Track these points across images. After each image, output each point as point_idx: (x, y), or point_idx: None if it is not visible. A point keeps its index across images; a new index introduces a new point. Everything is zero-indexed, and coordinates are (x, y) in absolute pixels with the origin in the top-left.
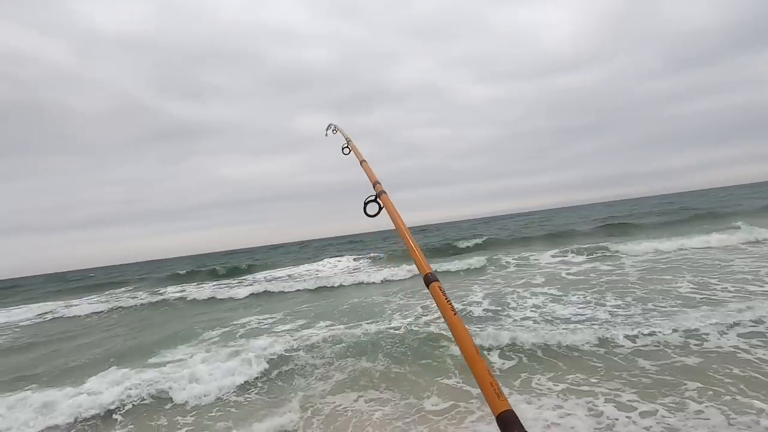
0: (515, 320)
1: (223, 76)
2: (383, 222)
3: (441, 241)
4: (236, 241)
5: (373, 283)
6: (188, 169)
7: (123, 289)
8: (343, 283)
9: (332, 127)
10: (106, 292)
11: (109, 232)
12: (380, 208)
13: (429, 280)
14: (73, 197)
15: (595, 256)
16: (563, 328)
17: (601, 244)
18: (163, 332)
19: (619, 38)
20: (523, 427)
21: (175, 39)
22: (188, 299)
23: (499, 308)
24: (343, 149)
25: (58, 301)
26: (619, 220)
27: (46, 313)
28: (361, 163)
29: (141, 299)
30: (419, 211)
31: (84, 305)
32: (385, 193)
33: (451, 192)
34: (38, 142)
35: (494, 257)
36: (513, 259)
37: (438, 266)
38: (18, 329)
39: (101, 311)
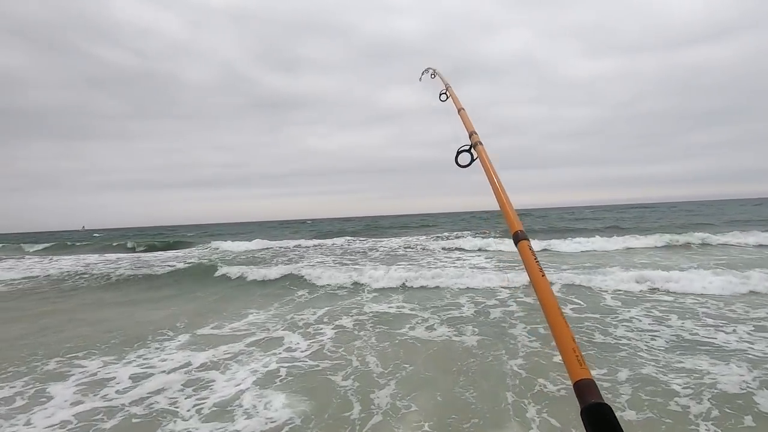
0: None
1: (316, 48)
2: (459, 202)
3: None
4: (325, 210)
5: None
6: (282, 138)
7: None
8: None
9: (430, 71)
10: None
11: (215, 192)
12: (473, 159)
13: (518, 237)
14: (187, 158)
15: None
16: None
17: None
18: None
19: None
20: (601, 396)
21: (274, 10)
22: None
23: None
24: (440, 95)
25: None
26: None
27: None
28: (459, 111)
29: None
30: (510, 193)
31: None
32: (481, 144)
33: (547, 176)
34: (158, 107)
35: None
36: None
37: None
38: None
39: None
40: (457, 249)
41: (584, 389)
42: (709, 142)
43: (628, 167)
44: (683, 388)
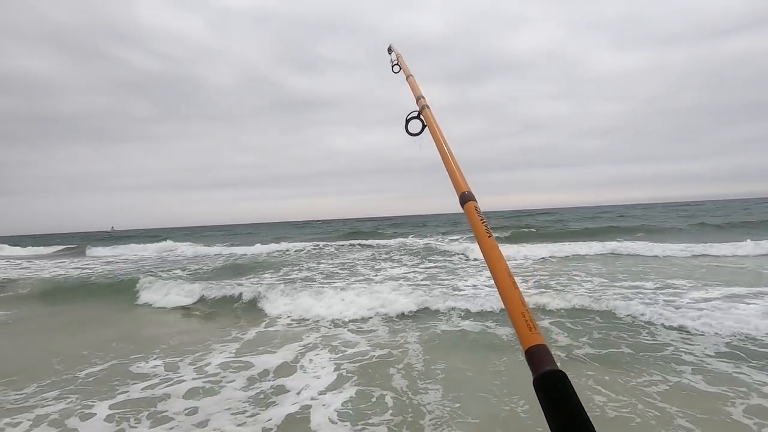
0: None
1: (337, 47)
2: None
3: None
4: (353, 210)
5: None
6: (306, 138)
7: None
8: None
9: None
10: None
11: (242, 193)
12: (423, 126)
13: (465, 198)
14: (214, 159)
15: None
16: None
17: None
18: None
19: None
20: (555, 363)
21: (295, 11)
22: None
23: None
24: (393, 67)
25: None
26: None
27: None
28: (407, 78)
29: None
30: (538, 192)
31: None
32: (428, 107)
33: (576, 174)
34: (184, 110)
35: None
36: None
37: None
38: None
39: None
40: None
41: (536, 356)
42: (749, 136)
43: (663, 164)
44: None
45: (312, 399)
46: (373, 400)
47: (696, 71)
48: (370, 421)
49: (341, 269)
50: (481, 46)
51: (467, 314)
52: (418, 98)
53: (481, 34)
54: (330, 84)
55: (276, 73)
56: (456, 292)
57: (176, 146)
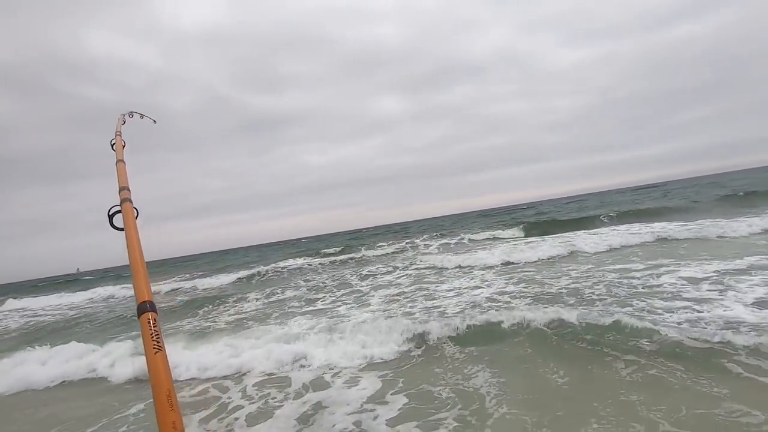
0: None
1: (297, 64)
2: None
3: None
4: (331, 224)
5: None
6: (275, 158)
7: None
8: None
9: (134, 115)
10: None
11: (215, 219)
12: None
13: (143, 309)
14: (184, 187)
15: None
16: None
17: None
18: None
19: None
20: None
21: (248, 30)
22: None
23: None
24: (112, 145)
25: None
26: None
27: None
28: (117, 163)
29: None
30: (508, 191)
31: None
32: (130, 201)
33: (542, 169)
34: (146, 140)
35: None
36: None
37: None
38: None
39: None
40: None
41: None
42: (695, 117)
43: (613, 153)
44: None
45: None
46: None
47: (641, 61)
48: None
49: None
50: (440, 52)
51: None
52: (122, 189)
53: (439, 40)
54: (294, 101)
55: (237, 95)
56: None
57: (144, 178)
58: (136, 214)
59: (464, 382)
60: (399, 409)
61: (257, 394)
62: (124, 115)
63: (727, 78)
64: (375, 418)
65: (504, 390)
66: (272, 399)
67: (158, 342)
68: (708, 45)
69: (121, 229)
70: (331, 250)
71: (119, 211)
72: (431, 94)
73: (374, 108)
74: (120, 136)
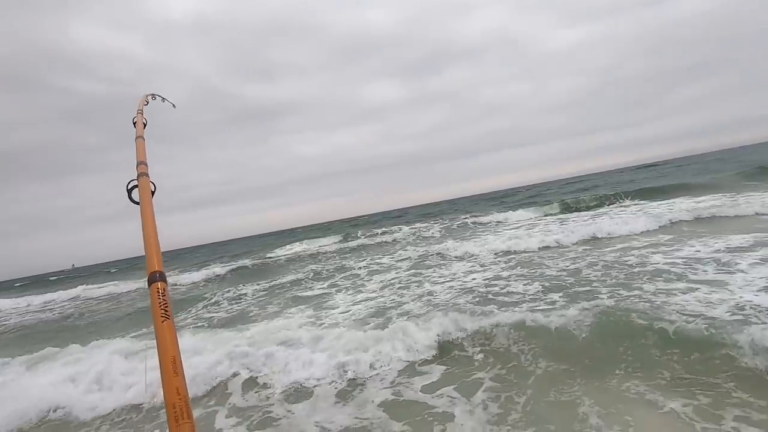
0: None
1: (289, 52)
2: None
3: None
4: (326, 214)
5: None
6: (270, 149)
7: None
8: None
9: (157, 97)
10: None
11: (211, 211)
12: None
13: (153, 278)
14: (179, 180)
15: None
16: None
17: None
18: None
19: None
20: None
21: (239, 19)
22: None
23: None
24: (133, 121)
25: None
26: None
27: None
28: (136, 139)
29: None
30: (502, 174)
31: None
32: (146, 176)
33: (538, 152)
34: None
35: None
36: None
37: None
38: None
39: None
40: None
41: None
42: (694, 95)
43: (611, 133)
44: None
45: None
46: None
47: (638, 39)
48: None
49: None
50: (433, 36)
51: None
52: (140, 163)
53: (432, 24)
54: (287, 90)
55: (229, 85)
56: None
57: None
58: (153, 188)
59: None
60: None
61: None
62: (147, 96)
63: (722, 56)
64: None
65: None
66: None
67: (166, 311)
68: (708, 22)
69: (138, 203)
70: (326, 240)
71: (136, 186)
72: (426, 79)
73: (369, 95)
74: (141, 114)
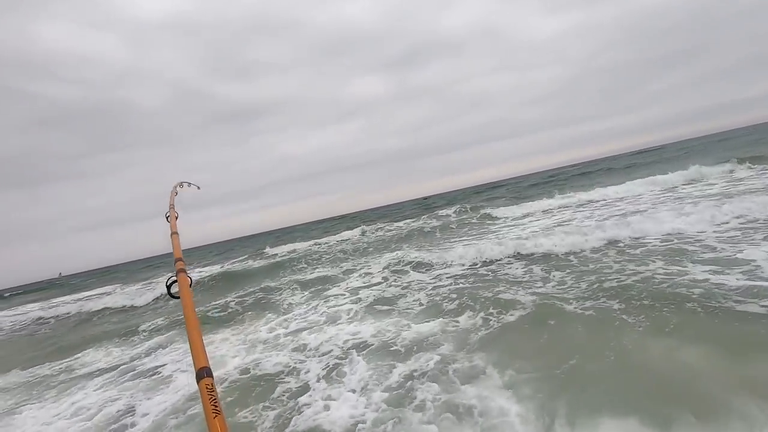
0: None
1: (267, 49)
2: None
3: None
4: (312, 214)
5: None
6: (252, 149)
7: None
8: None
9: (184, 184)
10: None
11: (195, 214)
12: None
13: (202, 374)
14: (159, 186)
15: None
16: None
17: None
18: None
19: None
20: None
21: (217, 17)
22: None
23: None
24: (166, 216)
25: None
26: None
27: None
28: (171, 235)
29: None
30: (487, 167)
31: None
32: (184, 272)
33: (521, 144)
34: (118, 138)
35: None
36: None
37: None
38: None
39: None
40: None
41: None
42: (674, 83)
43: (593, 123)
44: None
45: None
46: None
47: (619, 28)
48: None
49: None
50: (416, 28)
51: None
52: (177, 260)
53: (413, 16)
54: (268, 87)
55: (209, 85)
56: None
57: (119, 178)
58: (190, 283)
59: None
60: None
61: None
62: (175, 187)
63: (701, 44)
64: None
65: None
66: None
67: (216, 406)
68: (683, 11)
69: (177, 297)
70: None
71: (175, 281)
72: (408, 74)
73: (350, 91)
74: (173, 208)
